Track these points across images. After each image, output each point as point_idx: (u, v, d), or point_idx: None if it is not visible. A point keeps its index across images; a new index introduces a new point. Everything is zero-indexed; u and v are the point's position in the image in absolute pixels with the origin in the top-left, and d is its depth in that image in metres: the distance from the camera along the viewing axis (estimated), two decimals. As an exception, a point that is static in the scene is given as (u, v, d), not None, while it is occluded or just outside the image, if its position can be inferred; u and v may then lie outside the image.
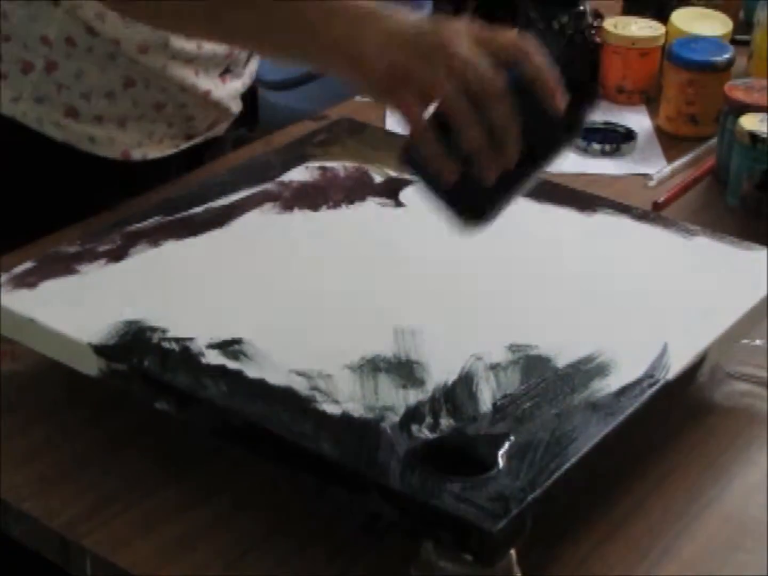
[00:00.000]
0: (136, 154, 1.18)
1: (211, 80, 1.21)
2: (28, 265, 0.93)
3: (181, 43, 1.15)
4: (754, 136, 1.19)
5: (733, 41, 1.45)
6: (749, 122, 1.20)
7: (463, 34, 0.82)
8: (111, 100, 1.15)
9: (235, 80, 1.26)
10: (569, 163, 1.33)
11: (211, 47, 1.18)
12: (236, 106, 1.28)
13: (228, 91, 1.25)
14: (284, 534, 0.80)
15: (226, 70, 1.24)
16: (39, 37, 1.10)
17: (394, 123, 1.38)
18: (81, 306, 0.89)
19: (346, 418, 0.78)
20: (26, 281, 0.91)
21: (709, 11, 1.49)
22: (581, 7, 1.41)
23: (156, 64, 1.15)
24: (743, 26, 1.56)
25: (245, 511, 0.82)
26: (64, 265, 0.93)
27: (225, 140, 1.34)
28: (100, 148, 1.16)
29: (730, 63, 1.38)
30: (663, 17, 1.48)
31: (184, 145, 1.24)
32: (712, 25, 1.45)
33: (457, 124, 0.79)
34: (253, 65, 1.30)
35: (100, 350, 0.83)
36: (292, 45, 0.92)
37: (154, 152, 1.20)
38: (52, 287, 0.91)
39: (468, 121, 0.79)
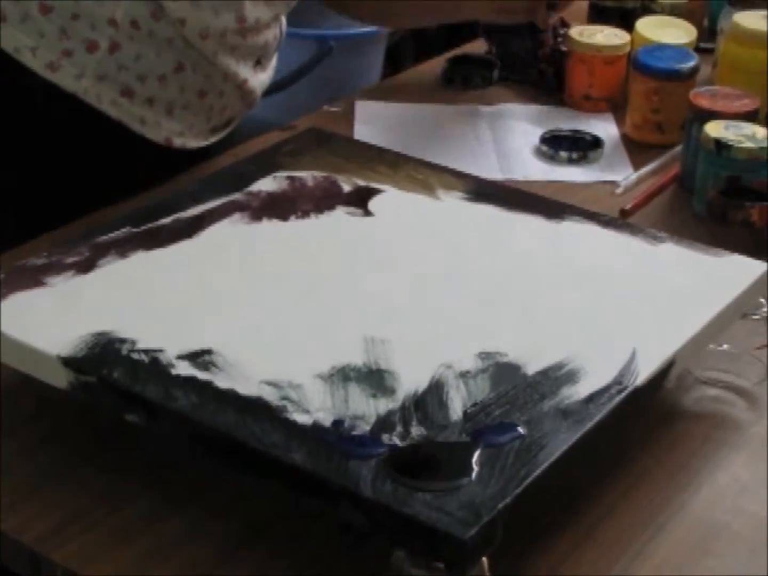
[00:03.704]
0: (177, 142, 1.24)
1: (248, 69, 1.28)
2: (-5, 277, 0.93)
3: (233, 32, 1.23)
4: (719, 143, 1.19)
5: (698, 49, 1.45)
6: (714, 129, 1.21)
7: None
8: (162, 83, 1.20)
9: (263, 73, 1.32)
10: (537, 170, 1.34)
11: (253, 37, 1.25)
12: (259, 98, 1.35)
13: (259, 81, 1.32)
14: (256, 544, 0.80)
15: (258, 62, 1.30)
16: (107, 18, 1.15)
17: (362, 132, 1.38)
18: (49, 318, 0.88)
19: (316, 428, 0.78)
20: (-6, 294, 0.91)
21: (674, 20, 1.50)
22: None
23: (209, 50, 1.21)
24: (707, 34, 1.57)
25: (217, 522, 0.81)
26: (32, 278, 0.93)
27: (238, 138, 1.38)
28: (148, 130, 1.21)
29: (694, 71, 1.39)
30: (628, 25, 1.49)
31: (213, 139, 1.30)
32: (677, 33, 1.46)
33: None
34: (275, 60, 1.36)
35: (68, 362, 0.83)
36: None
37: (192, 143, 1.26)
38: (20, 299, 0.90)
39: None
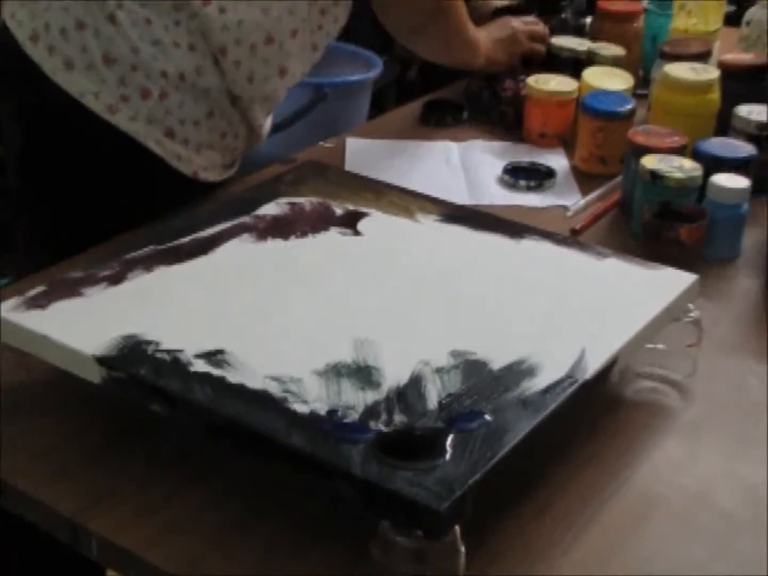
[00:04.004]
0: (202, 175, 1.24)
1: (263, 115, 1.29)
2: (39, 289, 0.92)
3: (278, 86, 1.27)
4: (653, 174, 1.19)
5: (635, 95, 1.45)
6: (649, 162, 1.21)
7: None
8: (196, 126, 1.20)
9: (269, 117, 1.33)
10: (500, 196, 1.34)
11: (274, 87, 1.26)
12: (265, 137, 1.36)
13: (267, 124, 1.33)
14: (263, 516, 0.79)
15: (269, 111, 1.31)
16: (160, 71, 1.16)
17: (352, 165, 1.38)
18: (85, 323, 0.87)
19: (314, 416, 0.77)
20: (38, 303, 0.90)
21: (615, 70, 1.50)
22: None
23: (247, 95, 1.23)
24: (643, 82, 1.57)
25: (229, 497, 0.81)
26: (71, 289, 0.92)
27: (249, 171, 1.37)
28: (181, 165, 1.21)
29: (632, 113, 1.39)
30: (576, 74, 1.49)
31: (226, 174, 1.29)
32: (617, 81, 1.46)
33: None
34: (275, 108, 1.36)
35: (102, 361, 0.82)
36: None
37: (212, 177, 1.26)
38: (60, 307, 0.90)
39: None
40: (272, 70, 1.22)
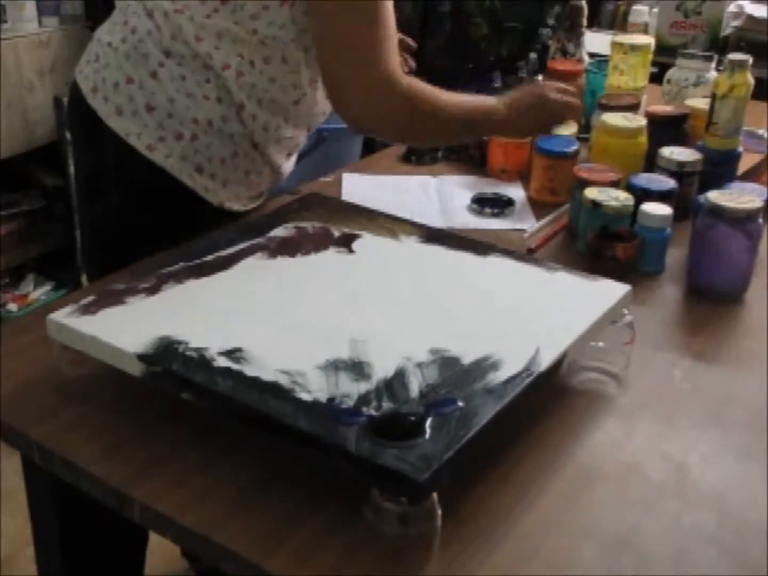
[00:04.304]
0: (227, 205, 1.23)
1: (283, 158, 1.28)
2: (90, 298, 0.91)
3: (293, 141, 1.25)
4: (594, 203, 1.19)
5: (579, 138, 1.46)
6: (591, 193, 1.21)
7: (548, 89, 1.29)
8: (222, 164, 1.20)
9: (291, 159, 1.31)
10: (469, 221, 1.33)
11: (298, 141, 1.27)
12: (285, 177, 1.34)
13: (287, 167, 1.31)
14: (275, 485, 0.79)
15: (290, 153, 1.30)
16: (191, 118, 1.16)
17: (348, 196, 1.37)
18: (128, 326, 0.87)
19: (316, 403, 0.76)
20: (89, 310, 0.89)
21: (562, 117, 1.50)
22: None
23: (263, 140, 1.21)
24: (585, 128, 1.57)
25: (246, 471, 0.80)
26: (116, 298, 0.92)
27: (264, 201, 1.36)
28: (210, 196, 1.21)
29: (577, 153, 1.39)
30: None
31: (252, 205, 1.29)
32: (564, 127, 1.45)
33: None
34: (297, 152, 1.34)
35: (141, 358, 0.82)
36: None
37: (236, 207, 1.25)
38: (107, 313, 0.89)
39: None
40: (281, 121, 1.21)
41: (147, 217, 1.20)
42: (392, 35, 1.09)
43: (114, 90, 1.17)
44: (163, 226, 1.18)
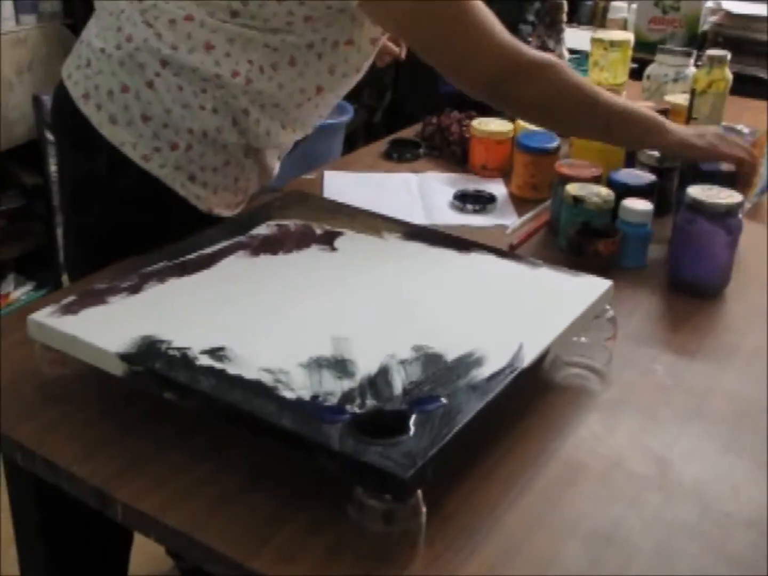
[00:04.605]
0: (215, 211, 1.23)
1: (276, 160, 1.28)
2: (71, 298, 0.90)
3: (284, 137, 1.24)
4: (576, 199, 1.19)
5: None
6: (572, 189, 1.21)
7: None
8: (214, 173, 1.19)
9: (279, 161, 1.31)
10: (451, 218, 1.33)
11: (283, 138, 1.24)
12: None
13: (277, 168, 1.31)
14: (259, 484, 0.78)
15: (280, 155, 1.29)
16: (186, 128, 1.15)
17: (330, 193, 1.37)
18: (110, 326, 0.86)
19: (300, 401, 0.76)
20: (70, 309, 0.88)
21: (543, 114, 1.50)
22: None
23: (263, 144, 1.21)
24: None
25: (230, 469, 0.80)
26: (97, 298, 0.91)
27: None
28: (200, 203, 1.20)
29: (558, 149, 1.39)
30: (511, 118, 1.49)
31: (237, 210, 1.27)
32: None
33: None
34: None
35: (123, 357, 0.81)
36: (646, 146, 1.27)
37: (224, 213, 1.24)
38: (89, 313, 0.88)
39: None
40: (278, 126, 1.21)
41: (135, 224, 1.19)
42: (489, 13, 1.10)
43: (108, 98, 1.15)
44: (151, 232, 1.17)
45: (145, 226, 1.18)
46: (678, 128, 1.22)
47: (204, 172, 1.18)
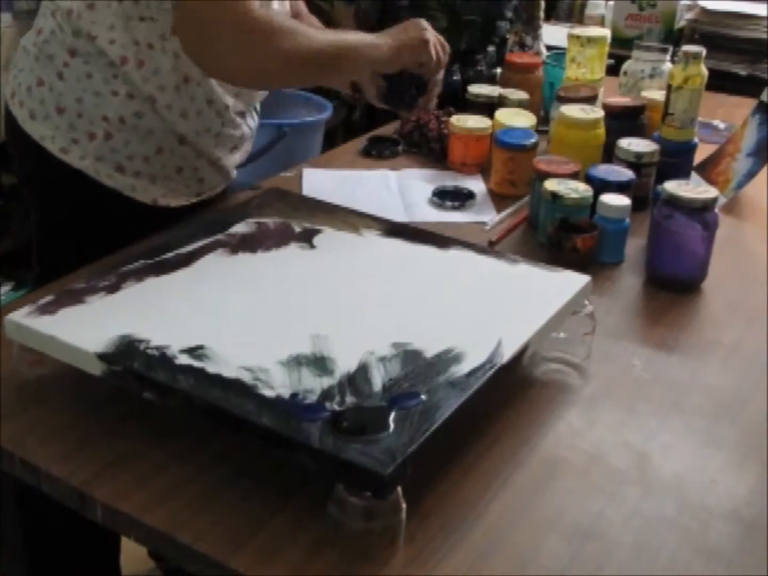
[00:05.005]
0: (162, 202, 1.19)
1: (225, 151, 1.23)
2: (48, 298, 0.90)
3: (230, 131, 1.20)
4: (554, 195, 1.19)
5: (537, 131, 1.45)
6: (550, 185, 1.21)
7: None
8: (146, 161, 1.16)
9: (238, 154, 1.28)
10: (430, 214, 1.33)
11: (240, 132, 1.22)
12: (234, 173, 1.30)
13: (233, 161, 1.27)
14: (239, 483, 0.78)
15: (235, 147, 1.25)
16: (101, 116, 1.13)
17: (308, 190, 1.37)
18: (87, 326, 0.85)
19: (279, 399, 0.76)
20: (48, 309, 0.88)
21: (521, 110, 1.50)
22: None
23: (193, 139, 1.17)
24: (544, 120, 1.58)
25: (210, 468, 0.79)
26: (75, 297, 0.90)
27: (223, 197, 1.33)
28: (137, 194, 1.18)
29: (536, 145, 1.39)
30: (490, 115, 1.49)
31: (195, 200, 1.25)
32: (523, 119, 1.46)
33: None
34: (249, 145, 1.30)
35: (102, 357, 0.81)
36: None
37: (174, 202, 1.21)
38: (67, 313, 0.87)
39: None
40: (201, 104, 1.17)
41: (74, 221, 1.18)
42: None
43: (27, 94, 1.16)
44: (94, 229, 1.16)
45: (84, 222, 1.17)
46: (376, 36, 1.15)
47: (132, 161, 1.16)
